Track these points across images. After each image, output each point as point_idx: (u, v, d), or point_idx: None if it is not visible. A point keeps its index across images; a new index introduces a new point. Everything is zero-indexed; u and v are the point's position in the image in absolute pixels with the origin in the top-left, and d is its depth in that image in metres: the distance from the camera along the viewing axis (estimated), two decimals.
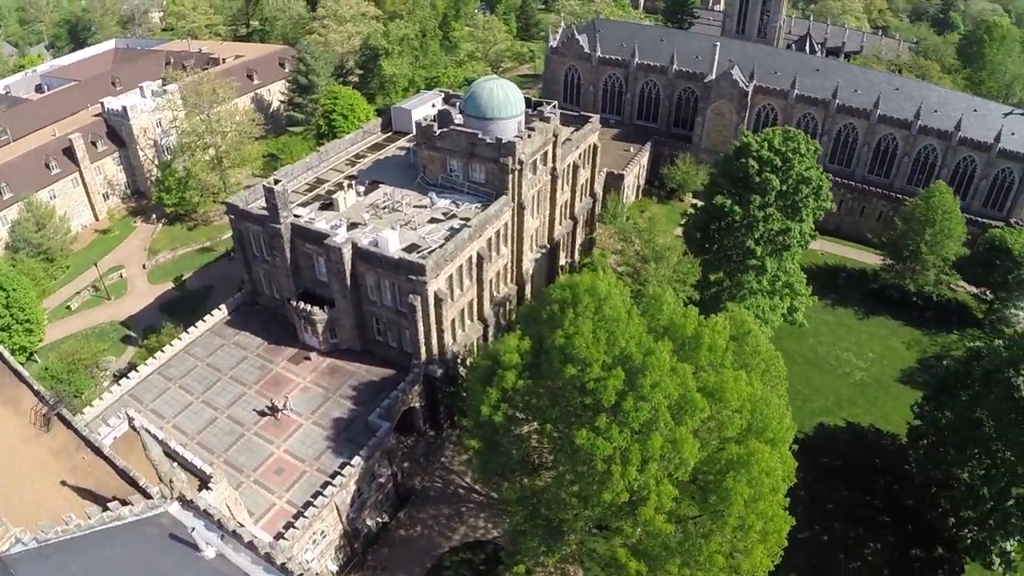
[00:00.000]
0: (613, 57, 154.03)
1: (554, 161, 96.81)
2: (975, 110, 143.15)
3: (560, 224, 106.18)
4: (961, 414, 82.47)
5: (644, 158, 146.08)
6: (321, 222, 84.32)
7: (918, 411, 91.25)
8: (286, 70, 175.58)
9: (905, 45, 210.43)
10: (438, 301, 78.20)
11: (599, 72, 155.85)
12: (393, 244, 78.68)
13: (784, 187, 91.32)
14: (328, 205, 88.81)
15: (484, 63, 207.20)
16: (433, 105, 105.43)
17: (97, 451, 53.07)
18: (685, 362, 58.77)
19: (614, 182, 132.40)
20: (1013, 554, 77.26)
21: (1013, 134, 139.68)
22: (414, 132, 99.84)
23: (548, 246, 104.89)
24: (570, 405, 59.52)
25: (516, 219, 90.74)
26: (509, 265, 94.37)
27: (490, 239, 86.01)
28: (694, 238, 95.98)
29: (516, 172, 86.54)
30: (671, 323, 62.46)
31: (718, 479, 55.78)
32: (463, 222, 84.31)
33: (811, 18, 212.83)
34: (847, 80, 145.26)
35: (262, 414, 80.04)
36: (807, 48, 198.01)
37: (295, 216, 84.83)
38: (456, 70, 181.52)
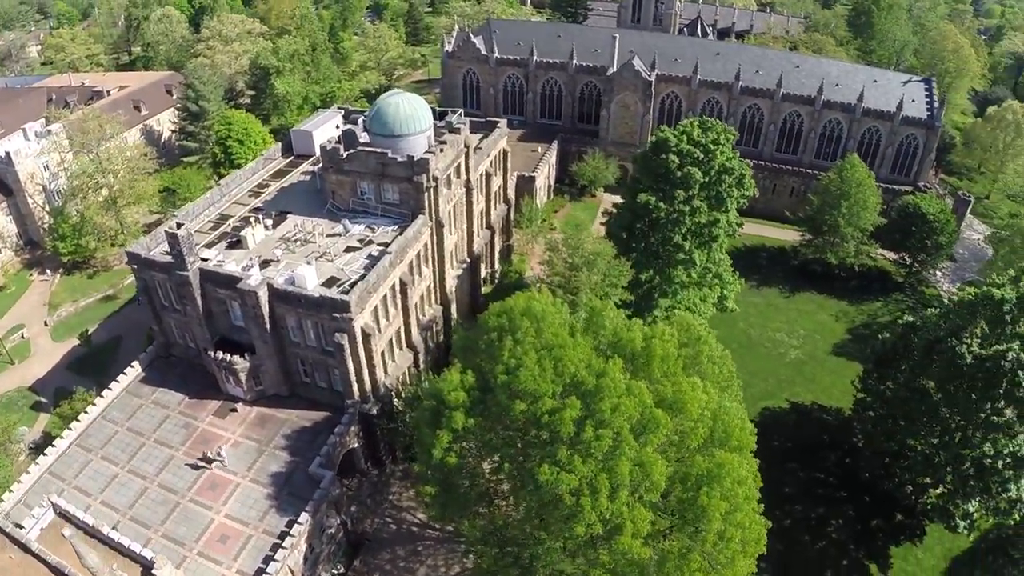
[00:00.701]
0: (511, 57, 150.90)
1: (468, 173, 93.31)
2: (875, 81, 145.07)
3: (478, 235, 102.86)
4: (906, 385, 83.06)
5: (552, 157, 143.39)
6: (231, 263, 78.47)
7: (861, 385, 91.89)
8: (174, 97, 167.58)
9: (794, 20, 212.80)
10: (366, 336, 73.57)
11: (498, 73, 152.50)
12: (311, 280, 73.76)
13: (707, 179, 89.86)
14: (236, 243, 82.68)
15: (377, 72, 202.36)
16: (337, 127, 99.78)
17: (24, 548, 47.96)
18: (637, 377, 56.25)
19: (525, 185, 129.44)
20: (976, 514, 77.90)
21: (913, 101, 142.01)
22: (318, 155, 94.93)
23: (468, 260, 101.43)
24: (526, 439, 56.24)
25: (436, 238, 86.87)
26: (432, 286, 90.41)
27: (411, 262, 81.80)
28: (620, 238, 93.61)
29: (431, 189, 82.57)
30: (617, 338, 59.67)
31: (692, 496, 53.03)
32: (382, 248, 79.96)
33: (700, 1, 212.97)
34: (748, 62, 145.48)
35: (195, 467, 74.25)
36: (699, 31, 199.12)
37: (202, 260, 78.56)
38: (350, 83, 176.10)
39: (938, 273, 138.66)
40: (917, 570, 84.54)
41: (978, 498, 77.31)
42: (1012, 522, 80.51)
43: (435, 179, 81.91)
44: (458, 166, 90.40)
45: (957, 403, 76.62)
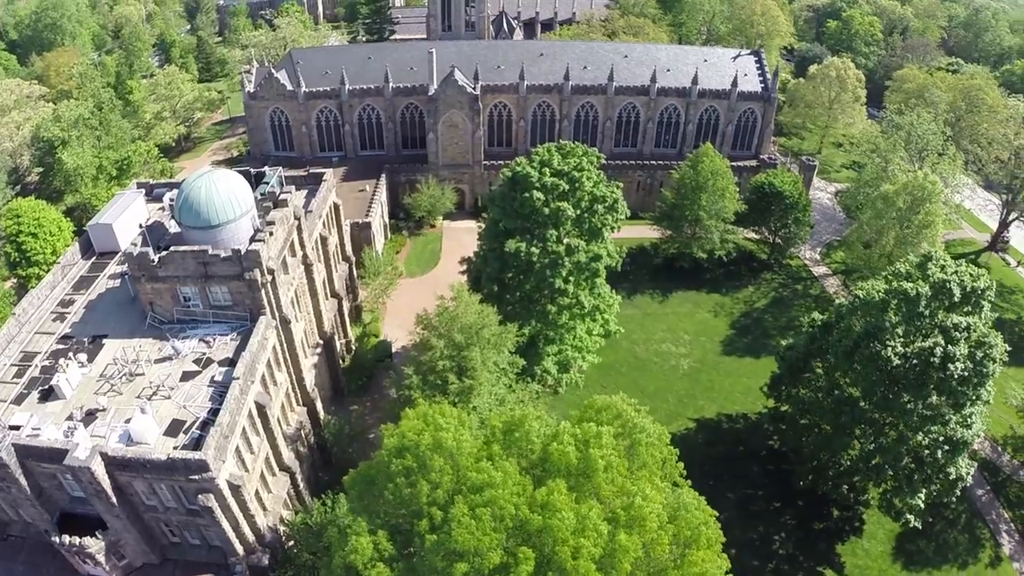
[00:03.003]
0: (321, 89, 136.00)
1: (303, 248, 79.63)
2: (705, 60, 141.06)
3: (326, 310, 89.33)
4: (828, 391, 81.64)
5: (383, 193, 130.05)
6: (50, 427, 61.41)
7: (772, 392, 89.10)
8: None
9: (600, 4, 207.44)
10: (235, 488, 59.72)
11: (309, 109, 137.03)
12: (151, 433, 59.17)
13: (579, 212, 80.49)
14: (49, 392, 65.64)
15: (174, 121, 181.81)
16: (147, 220, 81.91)
17: None
18: (583, 494, 46.28)
19: (361, 233, 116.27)
20: (924, 504, 76.32)
21: (746, 75, 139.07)
22: (123, 252, 77.81)
23: (321, 341, 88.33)
24: None
25: (284, 337, 73.54)
26: (291, 389, 76.97)
27: (264, 376, 68.52)
28: (491, 292, 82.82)
29: (268, 284, 69.21)
30: (546, 454, 49.11)
31: None
32: (225, 368, 66.20)
33: None
34: (575, 59, 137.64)
35: None
36: (505, 27, 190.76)
37: (12, 429, 60.92)
38: (147, 144, 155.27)
39: (801, 244, 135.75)
40: (868, 561, 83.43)
41: (924, 489, 75.57)
42: (954, 497, 79.99)
43: (270, 271, 68.27)
44: (292, 244, 76.99)
45: (889, 405, 74.08)
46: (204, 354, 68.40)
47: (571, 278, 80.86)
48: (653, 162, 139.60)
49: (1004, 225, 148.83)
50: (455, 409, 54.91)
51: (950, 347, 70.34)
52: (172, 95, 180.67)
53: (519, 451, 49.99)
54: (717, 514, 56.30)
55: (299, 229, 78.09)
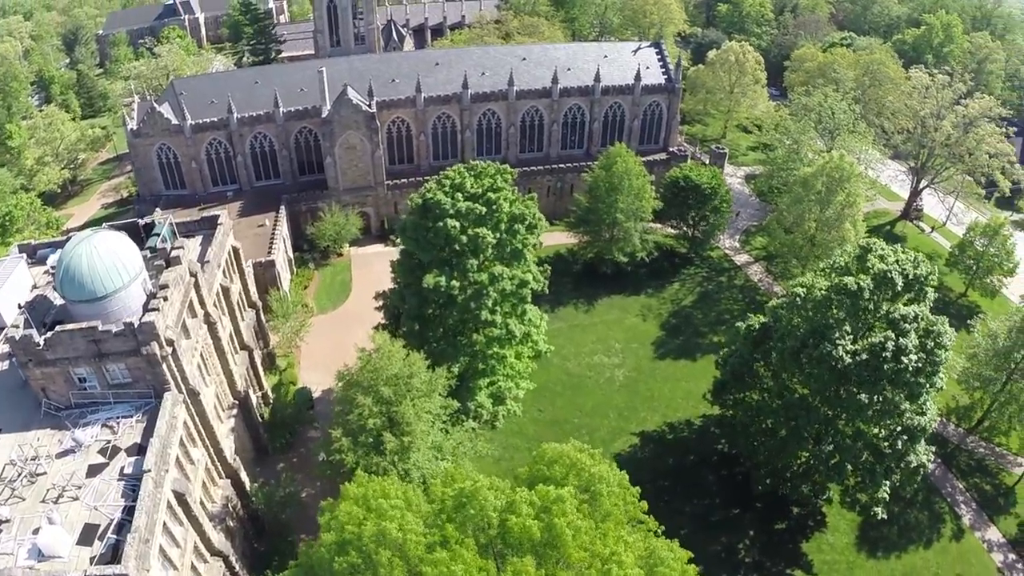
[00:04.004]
0: (208, 120, 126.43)
1: (204, 306, 72.18)
2: (606, 56, 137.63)
3: (236, 365, 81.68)
4: (777, 393, 79.58)
5: (284, 226, 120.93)
6: None
7: (716, 399, 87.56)
8: None
9: (488, 4, 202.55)
10: None
11: (197, 142, 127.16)
12: (63, 545, 50.93)
13: (499, 236, 74.99)
14: None
15: (57, 165, 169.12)
16: (31, 289, 73.23)
17: None
18: (551, 567, 40.95)
19: (265, 274, 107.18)
20: (887, 496, 75.65)
21: (648, 68, 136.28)
22: (4, 334, 68.96)
23: (236, 401, 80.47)
24: None
25: (195, 410, 66.14)
26: (210, 464, 69.55)
27: (178, 458, 61.05)
28: (412, 331, 76.57)
29: (169, 356, 61.92)
30: (505, 528, 43.44)
31: None
32: (135, 458, 57.80)
33: (387, 2, 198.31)
34: (473, 65, 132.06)
35: None
36: (394, 35, 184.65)
37: None
38: (28, 197, 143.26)
39: (720, 235, 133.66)
40: (835, 555, 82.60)
41: (887, 482, 74.54)
42: (915, 485, 79.75)
43: (169, 342, 60.94)
44: (190, 303, 69.56)
45: (843, 403, 72.31)
46: (109, 442, 60.27)
47: (498, 308, 75.36)
48: (561, 165, 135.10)
49: (915, 193, 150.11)
50: (400, 485, 49.05)
51: (901, 340, 68.79)
52: (53, 138, 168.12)
53: (475, 526, 44.21)
54: (691, 555, 52.97)
55: (197, 286, 70.61)
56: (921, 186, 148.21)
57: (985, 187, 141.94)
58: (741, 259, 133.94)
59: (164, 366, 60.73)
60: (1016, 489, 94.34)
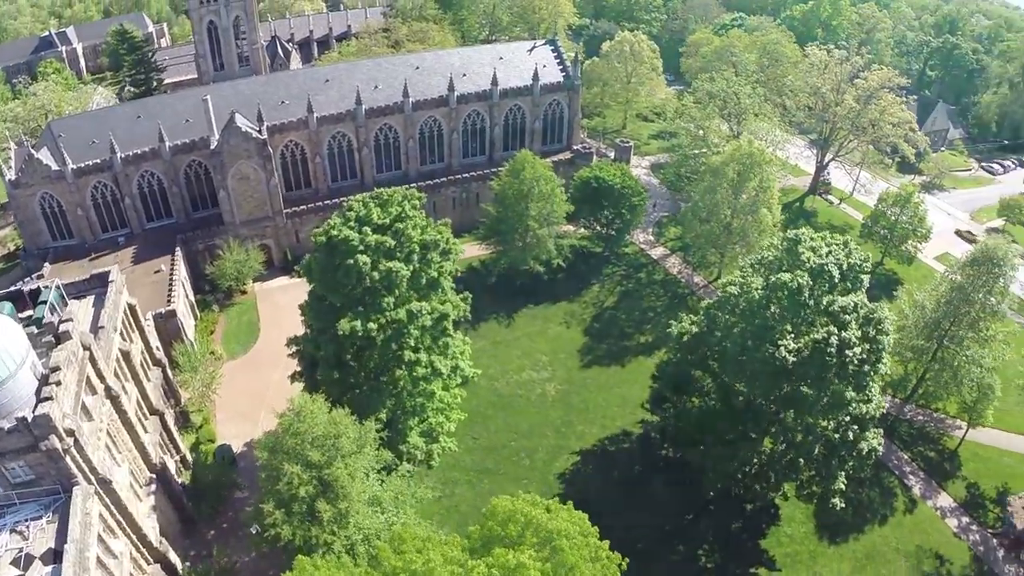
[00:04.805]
0: (91, 163, 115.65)
1: (103, 379, 65.17)
2: (501, 58, 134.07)
3: (148, 433, 74.99)
4: (722, 398, 78.06)
5: (181, 269, 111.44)
6: None
7: (659, 411, 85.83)
8: None
9: (374, 13, 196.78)
10: None
11: (81, 187, 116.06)
12: None
13: (412, 268, 70.16)
14: None
15: None
16: None
17: None
18: None
19: (167, 325, 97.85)
20: (844, 486, 74.93)
21: (545, 66, 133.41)
22: None
23: (153, 475, 73.39)
24: None
25: (109, 499, 59.69)
26: (135, 552, 63.17)
27: (98, 556, 54.89)
28: (331, 379, 71.09)
29: (71, 446, 55.47)
30: None
31: None
32: (51, 567, 50.94)
33: (271, 19, 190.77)
34: (365, 80, 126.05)
35: None
36: (280, 53, 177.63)
37: None
38: None
39: (635, 231, 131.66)
40: (796, 546, 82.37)
41: (841, 471, 74.02)
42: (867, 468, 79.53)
43: (69, 432, 54.80)
44: (89, 381, 63.01)
45: (791, 402, 71.45)
46: (22, 550, 53.19)
47: (420, 345, 70.68)
48: (465, 175, 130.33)
49: (822, 168, 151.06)
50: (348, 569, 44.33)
51: (843, 333, 67.57)
52: None
53: None
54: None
55: (93, 359, 63.64)
56: (827, 160, 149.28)
57: (890, 155, 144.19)
58: (657, 252, 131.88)
59: (68, 459, 54.34)
60: (959, 452, 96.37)
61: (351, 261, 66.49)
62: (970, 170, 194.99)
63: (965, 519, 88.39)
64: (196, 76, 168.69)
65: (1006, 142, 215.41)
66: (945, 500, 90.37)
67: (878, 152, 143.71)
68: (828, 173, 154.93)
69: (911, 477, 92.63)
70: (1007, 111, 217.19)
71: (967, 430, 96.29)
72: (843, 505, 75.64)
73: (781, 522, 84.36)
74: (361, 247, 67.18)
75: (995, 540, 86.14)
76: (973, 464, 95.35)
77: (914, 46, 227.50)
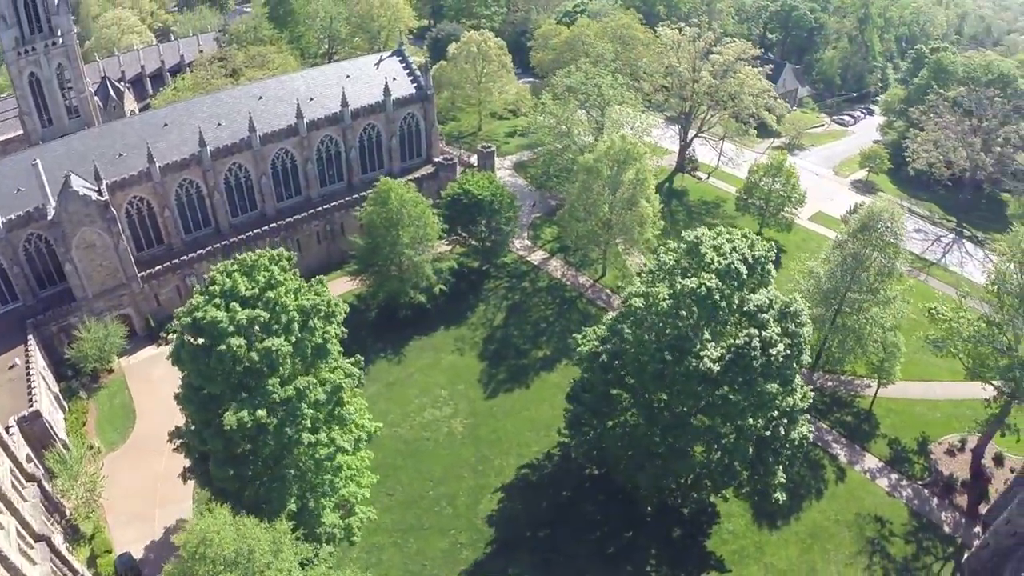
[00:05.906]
0: None
1: None
2: (348, 76, 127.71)
3: (36, 564, 64.15)
4: (647, 416, 74.28)
5: (38, 360, 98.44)
6: None
7: (572, 432, 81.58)
8: None
9: (207, 39, 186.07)
10: None
11: None
12: None
13: (294, 339, 63.31)
14: None
15: None
16: None
17: None
18: None
19: (33, 429, 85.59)
20: (784, 479, 74.64)
21: (395, 79, 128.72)
22: None
23: None
24: None
25: None
26: None
27: None
28: (226, 477, 63.50)
29: None
30: None
31: None
32: None
33: (98, 59, 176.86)
34: (206, 118, 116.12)
35: None
36: (112, 94, 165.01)
37: None
38: None
39: (514, 240, 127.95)
40: (741, 541, 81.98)
41: (780, 467, 73.48)
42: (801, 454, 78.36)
43: None
44: None
45: (719, 409, 69.30)
46: None
47: (317, 424, 64.29)
48: (326, 206, 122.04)
49: (686, 145, 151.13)
50: None
51: (764, 333, 66.28)
52: None
53: None
54: None
55: None
56: (691, 137, 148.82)
57: (750, 124, 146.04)
58: (537, 257, 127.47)
59: None
60: (874, 411, 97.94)
61: (223, 347, 59.07)
62: (823, 125, 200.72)
63: (894, 476, 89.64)
64: (23, 132, 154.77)
65: (854, 94, 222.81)
66: (871, 461, 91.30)
67: (739, 123, 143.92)
68: (693, 150, 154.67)
69: (834, 445, 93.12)
70: (848, 64, 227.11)
71: (878, 388, 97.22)
72: (784, 498, 74.97)
73: (721, 519, 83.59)
74: (232, 328, 59.81)
75: (926, 491, 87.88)
76: (889, 420, 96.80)
77: (753, 12, 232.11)
